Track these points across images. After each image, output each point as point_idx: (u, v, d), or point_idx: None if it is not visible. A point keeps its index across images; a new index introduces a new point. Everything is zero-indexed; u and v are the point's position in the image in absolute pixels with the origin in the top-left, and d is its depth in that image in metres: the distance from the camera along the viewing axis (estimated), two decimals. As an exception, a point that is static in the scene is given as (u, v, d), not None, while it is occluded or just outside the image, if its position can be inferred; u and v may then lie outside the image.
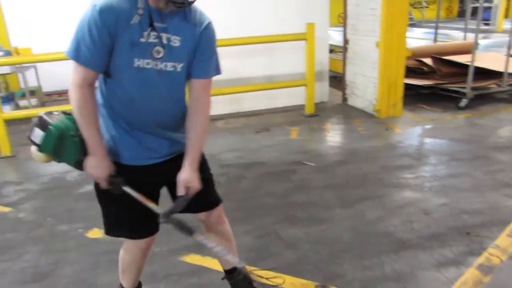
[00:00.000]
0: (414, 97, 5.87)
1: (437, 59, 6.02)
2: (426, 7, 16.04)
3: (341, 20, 6.37)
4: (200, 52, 1.59)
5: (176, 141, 1.69)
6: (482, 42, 5.76)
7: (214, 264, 2.43)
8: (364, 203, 3.13)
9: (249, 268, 2.22)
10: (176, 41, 1.52)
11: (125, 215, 1.71)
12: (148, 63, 1.49)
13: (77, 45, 1.44)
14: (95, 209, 3.18)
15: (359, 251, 2.52)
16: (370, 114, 5.38)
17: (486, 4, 10.72)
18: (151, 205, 1.61)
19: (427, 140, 4.61)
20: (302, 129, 4.93)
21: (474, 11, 7.27)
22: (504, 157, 3.93)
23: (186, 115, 1.66)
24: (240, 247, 2.58)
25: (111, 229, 1.78)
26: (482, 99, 5.73)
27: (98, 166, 1.56)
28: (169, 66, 1.54)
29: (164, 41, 1.50)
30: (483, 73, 5.69)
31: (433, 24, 8.16)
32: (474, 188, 3.32)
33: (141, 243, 1.79)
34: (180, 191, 1.62)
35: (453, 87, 5.68)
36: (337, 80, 6.76)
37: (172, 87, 1.59)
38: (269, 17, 5.41)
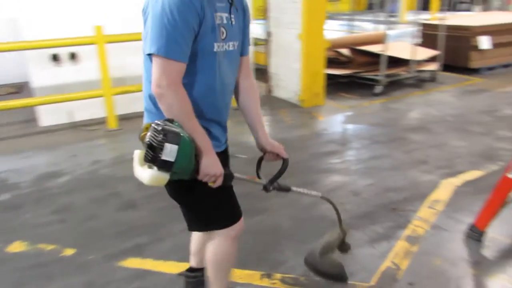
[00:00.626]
0: (334, 86, 6.15)
1: (353, 49, 6.36)
2: (338, 0, 16.87)
3: (261, 13, 6.45)
4: (246, 29, 1.63)
5: (226, 128, 1.67)
6: (389, 32, 6.19)
7: (156, 266, 2.36)
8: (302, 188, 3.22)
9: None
10: (232, 20, 1.51)
11: (223, 203, 1.65)
12: (220, 46, 1.47)
13: (167, 40, 1.32)
14: (15, 220, 2.98)
15: (299, 237, 2.60)
16: (295, 104, 5.53)
17: (390, -2, 11.59)
18: (256, 180, 1.66)
19: (349, 126, 4.86)
20: (230, 122, 4.90)
21: (381, 4, 7.79)
22: (417, 137, 4.28)
23: (240, 93, 1.71)
24: (181, 245, 2.53)
25: (208, 223, 1.69)
26: (394, 85, 6.17)
27: (214, 163, 1.46)
28: (230, 46, 1.53)
29: (225, 21, 1.48)
30: (393, 62, 6.13)
31: (345, 17, 8.62)
32: (395, 167, 3.58)
33: (232, 231, 1.69)
34: (284, 154, 1.72)
35: (369, 75, 6.05)
36: (260, 72, 6.85)
37: (233, 67, 1.60)
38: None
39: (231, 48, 1.53)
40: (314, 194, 1.86)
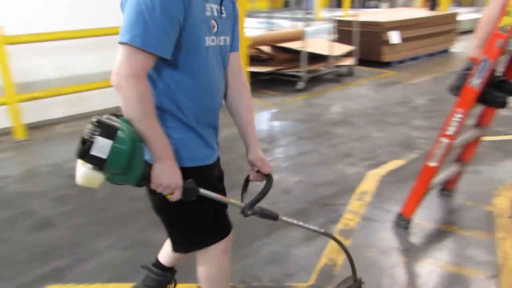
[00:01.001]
0: (257, 83, 6.14)
1: (274, 46, 6.41)
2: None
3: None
4: (236, 22, 1.49)
5: (218, 132, 1.52)
6: (306, 29, 6.35)
7: (79, 290, 2.13)
8: (231, 192, 3.08)
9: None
10: (223, 12, 1.38)
11: (211, 218, 1.48)
12: (212, 40, 1.33)
13: (144, 29, 1.16)
14: None
15: (235, 242, 2.49)
16: (219, 103, 5.44)
17: (305, -4, 11.98)
18: (232, 200, 1.43)
19: (275, 123, 4.88)
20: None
21: (297, 1, 7.96)
22: (340, 131, 4.40)
23: (231, 94, 1.53)
24: (107, 264, 2.33)
25: (196, 242, 1.49)
26: (314, 81, 6.33)
27: (170, 173, 1.26)
28: (222, 40, 1.39)
29: (215, 13, 1.34)
30: (313, 58, 6.28)
31: (263, 14, 8.70)
32: (322, 162, 3.64)
33: (222, 244, 1.52)
34: (266, 170, 1.51)
35: (290, 71, 6.14)
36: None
37: (225, 63, 1.45)
38: (106, 8, 4.98)
39: (222, 43, 1.40)
40: (313, 228, 1.69)
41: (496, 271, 2.18)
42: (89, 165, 1.16)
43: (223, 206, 1.52)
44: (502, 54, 2.17)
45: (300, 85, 5.97)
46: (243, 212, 1.42)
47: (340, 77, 6.77)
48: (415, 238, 2.52)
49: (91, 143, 1.13)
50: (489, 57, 2.10)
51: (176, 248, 1.54)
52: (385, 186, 3.16)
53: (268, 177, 1.51)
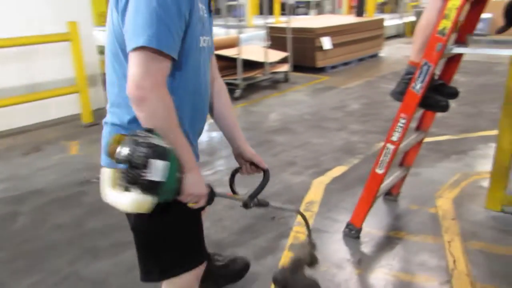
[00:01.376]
0: (193, 92, 5.94)
1: (208, 54, 6.24)
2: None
3: (105, 19, 5.90)
4: (212, 23, 1.39)
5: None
6: (240, 36, 6.27)
7: None
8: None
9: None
10: (205, 12, 1.28)
11: (194, 240, 1.44)
12: (204, 41, 1.27)
13: (158, 28, 1.06)
14: None
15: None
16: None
17: (232, 3, 12.05)
18: (234, 196, 1.52)
19: (214, 134, 4.69)
20: (82, 142, 4.33)
21: (228, 8, 7.86)
22: (281, 139, 4.33)
23: (212, 97, 1.50)
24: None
25: (173, 267, 1.39)
26: (251, 88, 6.25)
27: (200, 181, 1.25)
28: (207, 41, 1.32)
29: (201, 12, 1.24)
30: (248, 65, 6.20)
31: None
32: (266, 172, 3.52)
33: (197, 270, 1.44)
34: (264, 164, 1.57)
35: (227, 79, 5.99)
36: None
37: (209, 65, 1.38)
38: (16, 16, 4.53)
39: (208, 44, 1.32)
40: (291, 208, 2.22)
41: (448, 276, 2.17)
42: (138, 190, 1.05)
43: (202, 228, 1.49)
44: (442, 58, 2.18)
45: (237, 92, 5.87)
46: (246, 205, 1.46)
47: (276, 83, 6.75)
48: (366, 247, 2.47)
49: (145, 166, 1.02)
50: (430, 61, 2.10)
51: (146, 276, 1.40)
52: (331, 194, 3.10)
53: (265, 170, 1.57)
